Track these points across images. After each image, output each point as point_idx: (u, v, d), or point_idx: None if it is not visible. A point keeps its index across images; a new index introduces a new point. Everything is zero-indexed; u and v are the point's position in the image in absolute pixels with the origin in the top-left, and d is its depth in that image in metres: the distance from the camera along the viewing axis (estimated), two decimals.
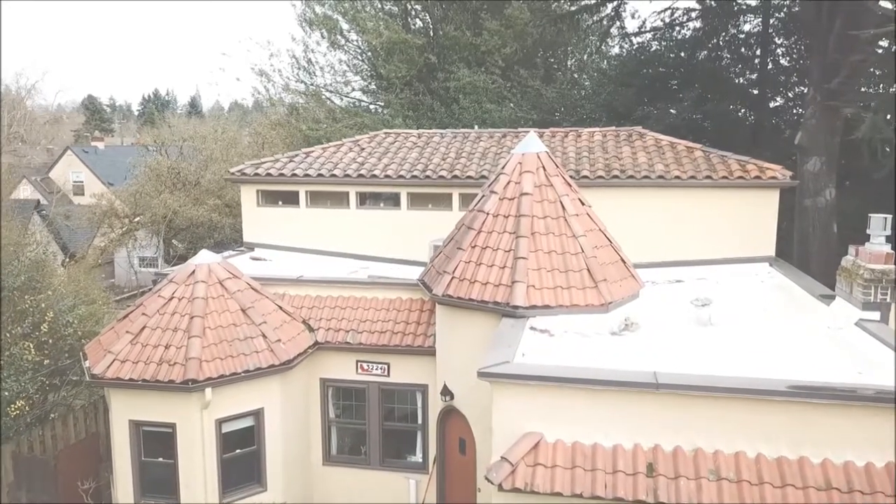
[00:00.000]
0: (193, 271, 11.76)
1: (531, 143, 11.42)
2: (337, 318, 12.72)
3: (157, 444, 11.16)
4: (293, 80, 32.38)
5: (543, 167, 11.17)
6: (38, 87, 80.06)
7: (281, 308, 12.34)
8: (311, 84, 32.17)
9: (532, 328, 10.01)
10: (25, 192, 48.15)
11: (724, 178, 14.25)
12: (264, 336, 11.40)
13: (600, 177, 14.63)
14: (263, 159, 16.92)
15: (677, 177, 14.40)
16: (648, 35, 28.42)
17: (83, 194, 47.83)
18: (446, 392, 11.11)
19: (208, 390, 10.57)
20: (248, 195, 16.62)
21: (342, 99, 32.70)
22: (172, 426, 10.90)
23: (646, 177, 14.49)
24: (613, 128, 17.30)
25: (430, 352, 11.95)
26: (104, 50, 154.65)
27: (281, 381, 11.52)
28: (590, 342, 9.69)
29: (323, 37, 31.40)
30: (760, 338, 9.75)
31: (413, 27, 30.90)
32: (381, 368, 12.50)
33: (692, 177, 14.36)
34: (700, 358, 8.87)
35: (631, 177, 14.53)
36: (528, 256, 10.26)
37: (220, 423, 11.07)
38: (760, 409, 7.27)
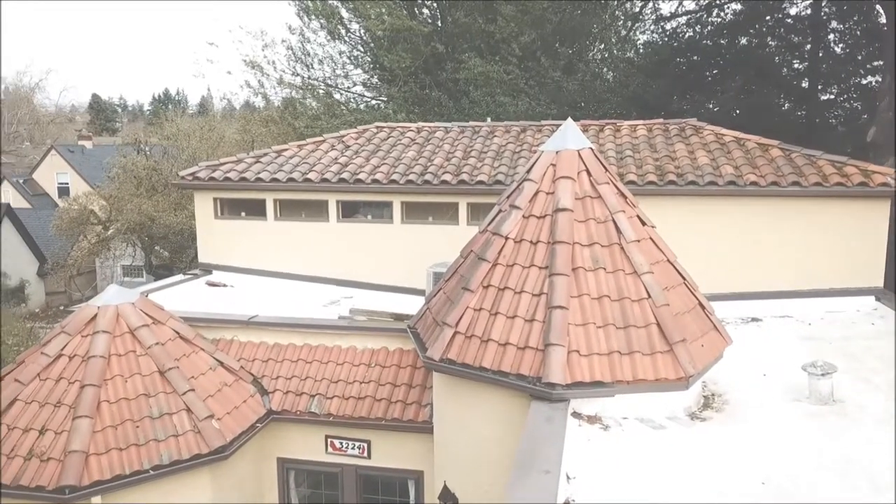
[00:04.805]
0: (94, 317, 8.41)
1: (570, 136, 7.98)
2: (300, 375, 9.36)
3: None
4: (288, 73, 29.51)
5: (587, 171, 7.73)
6: (42, 85, 78.07)
7: (222, 364, 8.99)
8: (308, 77, 29.32)
9: (576, 414, 6.64)
10: (7, 195, 45.25)
11: (818, 184, 10.82)
12: (189, 410, 8.05)
13: (651, 182, 11.28)
14: (223, 160, 13.59)
15: (754, 183, 10.98)
16: (682, 20, 26.05)
17: (69, 196, 44.87)
18: (448, 496, 7.69)
19: (96, 500, 7.18)
20: (203, 204, 13.30)
21: (342, 94, 30.04)
22: None
23: (711, 183, 11.11)
24: (661, 120, 13.84)
25: (426, 428, 8.59)
26: (118, 50, 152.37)
27: (213, 474, 8.13)
28: (663, 438, 6.39)
29: (322, 26, 28.77)
30: None
31: (419, 15, 28.19)
32: (359, 447, 9.14)
33: (773, 183, 10.95)
34: (844, 476, 5.47)
35: (692, 183, 11.16)
36: (567, 305, 6.83)
37: None
38: None
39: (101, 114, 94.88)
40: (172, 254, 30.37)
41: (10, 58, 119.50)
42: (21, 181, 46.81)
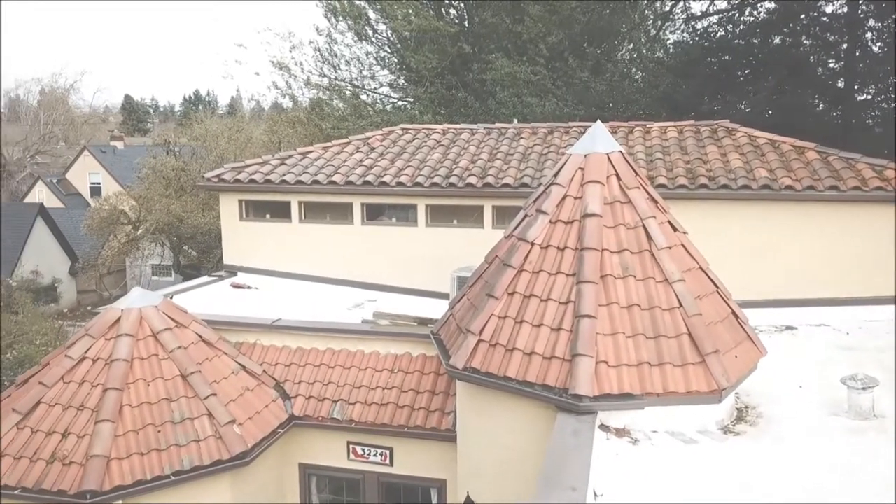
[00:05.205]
0: (118, 320, 8.39)
1: (598, 139, 7.76)
2: (322, 380, 9.26)
3: None
4: (315, 74, 29.61)
5: (617, 175, 7.51)
6: (76, 86, 79.56)
7: (244, 368, 8.92)
8: (335, 78, 29.37)
9: (603, 427, 6.43)
10: (41, 194, 46.10)
11: (856, 188, 10.44)
12: (210, 415, 7.98)
13: (682, 186, 11.00)
14: (248, 161, 13.57)
15: (789, 187, 10.64)
16: (713, 19, 25.65)
17: (101, 196, 45.51)
18: None
19: None
20: (228, 206, 13.29)
21: (368, 95, 30.08)
22: None
23: (745, 186, 10.81)
24: (692, 121, 13.51)
25: (449, 436, 8.43)
26: (151, 51, 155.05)
27: (233, 480, 8.05)
28: (694, 454, 6.15)
29: (349, 27, 28.84)
30: None
31: (446, 16, 28.09)
32: (381, 455, 9.01)
33: (810, 187, 10.60)
34: (887, 497, 5.20)
35: (724, 186, 10.86)
36: (596, 313, 6.63)
37: None
38: None
39: (134, 114, 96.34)
40: (200, 254, 30.62)
41: (46, 59, 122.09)
42: (55, 181, 47.62)
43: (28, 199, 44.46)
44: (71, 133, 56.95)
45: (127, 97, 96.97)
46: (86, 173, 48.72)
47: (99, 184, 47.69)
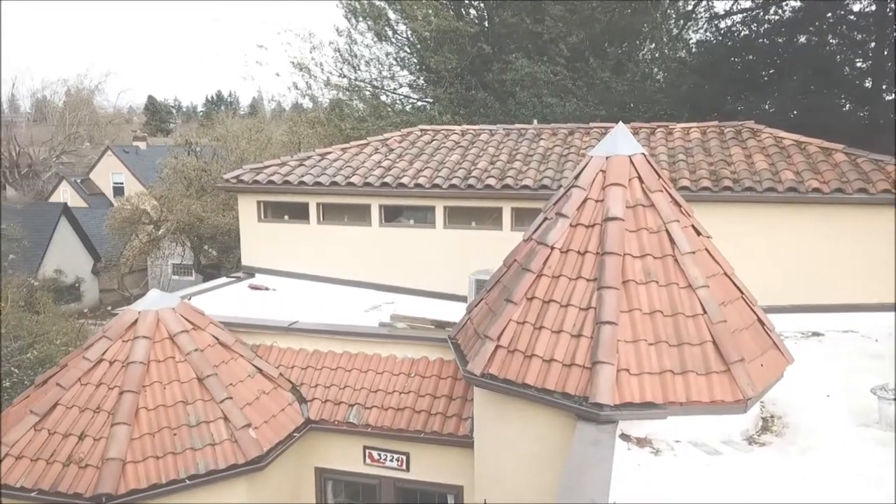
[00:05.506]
0: (135, 322, 8.37)
1: (620, 141, 7.60)
2: (339, 384, 9.17)
3: None
4: (335, 75, 29.63)
5: (639, 177, 7.34)
6: (101, 87, 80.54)
7: (261, 371, 8.87)
8: (355, 79, 29.38)
9: (624, 436, 6.28)
10: (65, 194, 46.66)
11: (886, 191, 10.16)
12: (226, 419, 7.93)
13: (705, 188, 10.79)
14: (267, 162, 13.55)
15: (816, 189, 10.38)
16: (737, 18, 25.31)
17: (123, 196, 45.98)
18: None
19: None
20: (246, 207, 13.28)
21: (388, 95, 30.04)
22: None
23: (770, 189, 10.56)
24: (716, 122, 13.27)
25: (467, 442, 8.30)
26: (174, 52, 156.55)
27: (249, 484, 7.99)
28: (718, 465, 5.97)
29: (369, 28, 28.81)
30: None
31: (466, 16, 27.97)
32: (397, 460, 8.90)
33: (838, 189, 10.33)
34: None
35: (749, 189, 10.63)
36: (617, 320, 6.47)
37: None
38: None
39: (157, 115, 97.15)
40: (220, 253, 30.74)
41: (72, 61, 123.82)
42: (79, 181, 48.17)
43: (53, 199, 45.00)
44: (95, 133, 57.62)
45: (150, 98, 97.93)
46: (109, 173, 49.25)
47: (122, 184, 48.19)
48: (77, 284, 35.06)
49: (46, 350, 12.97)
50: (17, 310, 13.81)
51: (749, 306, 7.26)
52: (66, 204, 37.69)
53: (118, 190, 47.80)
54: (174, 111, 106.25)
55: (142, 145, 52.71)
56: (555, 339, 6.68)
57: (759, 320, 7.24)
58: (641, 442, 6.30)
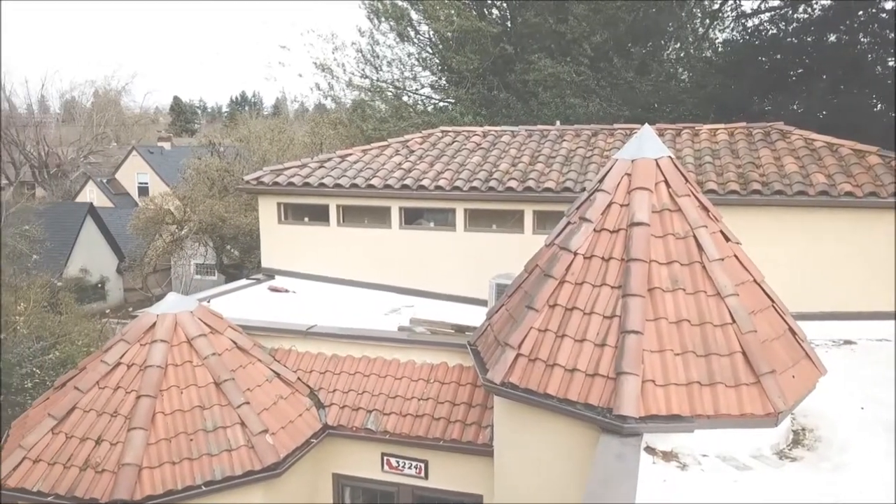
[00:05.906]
0: (153, 325, 8.33)
1: (646, 143, 7.38)
2: (357, 389, 9.06)
3: None
4: (357, 76, 29.61)
5: (666, 181, 7.12)
6: (128, 88, 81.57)
7: (278, 376, 8.78)
8: (377, 79, 29.34)
9: (649, 449, 6.06)
10: (92, 194, 47.24)
11: None
12: (243, 424, 7.85)
13: (733, 192, 10.51)
14: (287, 164, 13.50)
15: (849, 193, 10.06)
16: (765, 16, 24.82)
17: (148, 196, 46.45)
18: None
19: None
20: (267, 209, 13.24)
21: (410, 96, 29.96)
22: None
23: (801, 192, 10.26)
24: (744, 123, 12.96)
25: (486, 451, 8.13)
26: (199, 53, 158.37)
27: (266, 490, 7.90)
28: (748, 481, 5.76)
29: (391, 28, 28.76)
30: None
31: (489, 16, 27.81)
32: (416, 467, 8.76)
33: (872, 193, 10.01)
34: None
35: (779, 192, 10.33)
36: (643, 329, 6.26)
37: None
38: None
39: (182, 116, 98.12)
40: (242, 254, 30.89)
41: (100, 63, 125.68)
42: (105, 181, 48.76)
43: (79, 199, 45.62)
44: (122, 134, 58.33)
45: (176, 98, 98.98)
46: (134, 173, 49.81)
47: (146, 184, 48.70)
48: (102, 284, 35.45)
49: (68, 351, 13.01)
50: (39, 310, 13.94)
51: (780, 315, 7.01)
52: (91, 204, 38.16)
53: (143, 190, 48.31)
54: (199, 112, 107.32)
55: (167, 146, 53.21)
56: (578, 348, 6.49)
57: (791, 329, 6.98)
58: (667, 456, 6.09)
